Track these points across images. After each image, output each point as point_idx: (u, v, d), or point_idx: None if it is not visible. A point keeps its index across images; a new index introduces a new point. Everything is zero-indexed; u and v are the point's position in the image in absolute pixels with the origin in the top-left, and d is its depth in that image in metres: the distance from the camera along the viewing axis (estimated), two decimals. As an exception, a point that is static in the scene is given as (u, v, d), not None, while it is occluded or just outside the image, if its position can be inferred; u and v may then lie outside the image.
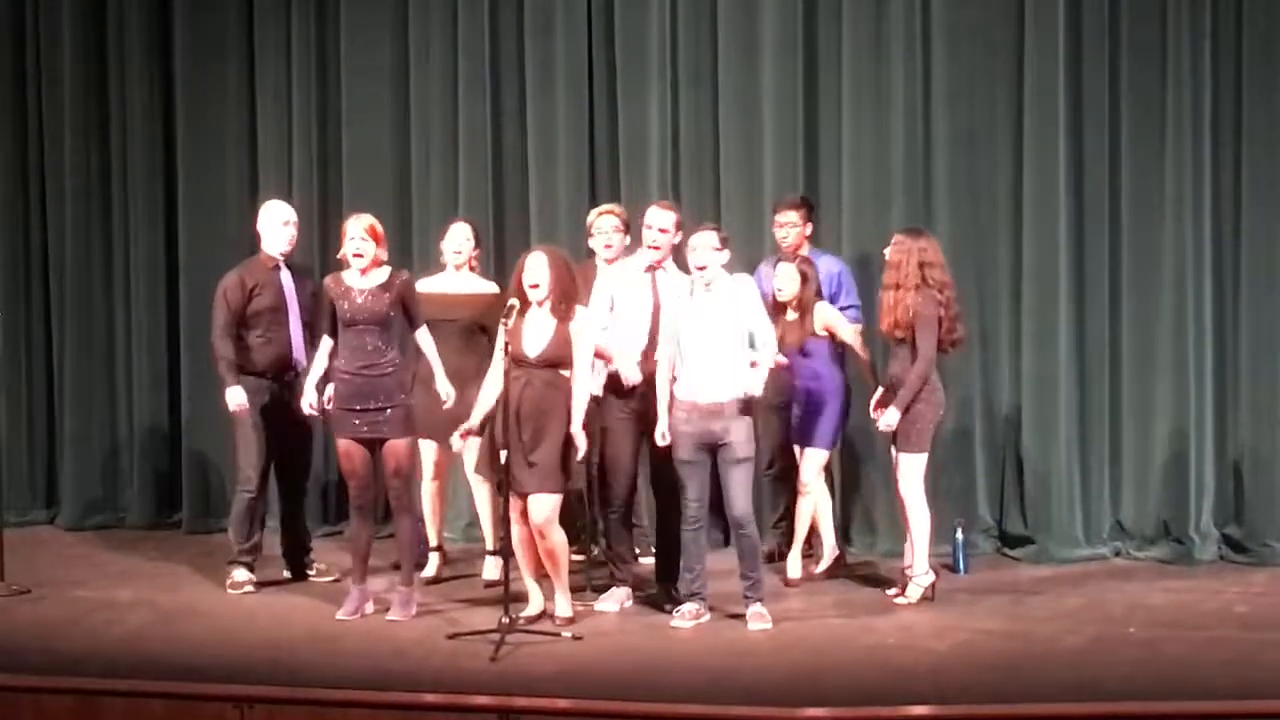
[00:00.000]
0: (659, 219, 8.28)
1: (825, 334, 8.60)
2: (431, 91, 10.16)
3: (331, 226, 8.92)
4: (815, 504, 8.69)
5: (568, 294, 7.80)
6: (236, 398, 8.60)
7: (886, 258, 8.27)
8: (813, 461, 8.62)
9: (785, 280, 8.60)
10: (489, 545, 8.90)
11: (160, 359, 10.56)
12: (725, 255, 7.89)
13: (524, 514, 7.78)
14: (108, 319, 10.66)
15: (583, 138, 9.96)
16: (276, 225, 8.79)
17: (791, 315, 8.61)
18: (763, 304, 8.05)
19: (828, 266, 8.96)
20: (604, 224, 8.53)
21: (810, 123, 9.62)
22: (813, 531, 8.84)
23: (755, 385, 7.82)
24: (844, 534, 9.49)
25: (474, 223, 9.19)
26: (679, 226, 8.27)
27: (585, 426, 7.76)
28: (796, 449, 8.76)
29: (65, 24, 10.57)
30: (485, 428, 7.85)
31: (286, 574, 8.89)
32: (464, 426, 7.90)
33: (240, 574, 8.66)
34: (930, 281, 8.12)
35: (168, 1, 10.54)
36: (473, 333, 8.71)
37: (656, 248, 8.26)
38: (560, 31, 9.93)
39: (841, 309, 8.85)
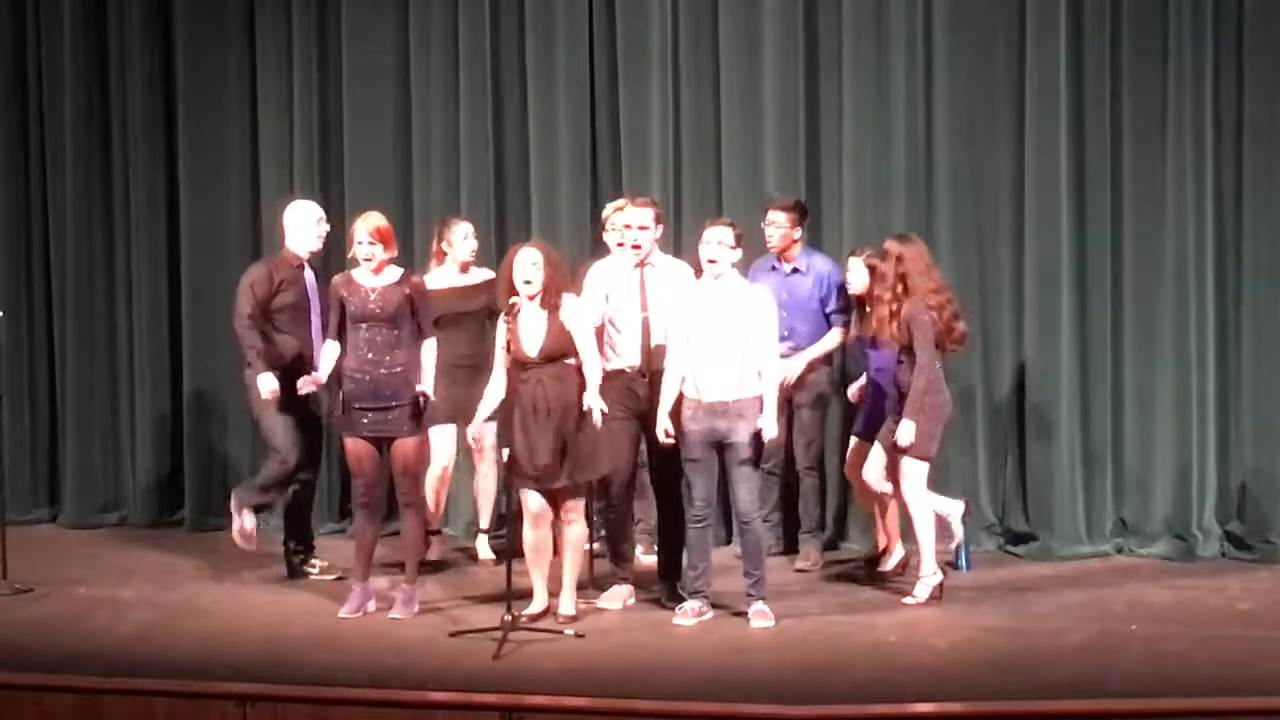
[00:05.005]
0: (637, 217, 8.20)
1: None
2: (433, 88, 10.15)
3: (334, 226, 8.91)
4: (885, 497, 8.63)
5: (557, 286, 7.82)
6: (269, 384, 8.47)
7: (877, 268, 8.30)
8: (877, 458, 8.55)
9: (855, 275, 8.59)
10: (483, 524, 9.19)
11: (162, 358, 10.54)
12: (738, 253, 7.87)
13: (538, 517, 7.82)
14: (109, 318, 10.64)
15: (584, 133, 9.95)
16: (309, 223, 8.74)
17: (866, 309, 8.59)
18: (776, 323, 7.98)
19: (818, 268, 8.95)
20: (620, 220, 8.46)
21: (811, 118, 9.61)
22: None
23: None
24: (841, 532, 9.51)
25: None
26: (659, 220, 8.22)
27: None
28: (854, 442, 8.74)
29: (65, 22, 10.55)
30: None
31: (283, 571, 8.85)
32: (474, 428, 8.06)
33: (249, 519, 8.51)
34: (912, 290, 8.10)
35: (168, 1, 10.54)
36: (487, 320, 8.83)
37: (638, 247, 8.17)
38: (561, 25, 9.92)
39: (828, 313, 8.86)
